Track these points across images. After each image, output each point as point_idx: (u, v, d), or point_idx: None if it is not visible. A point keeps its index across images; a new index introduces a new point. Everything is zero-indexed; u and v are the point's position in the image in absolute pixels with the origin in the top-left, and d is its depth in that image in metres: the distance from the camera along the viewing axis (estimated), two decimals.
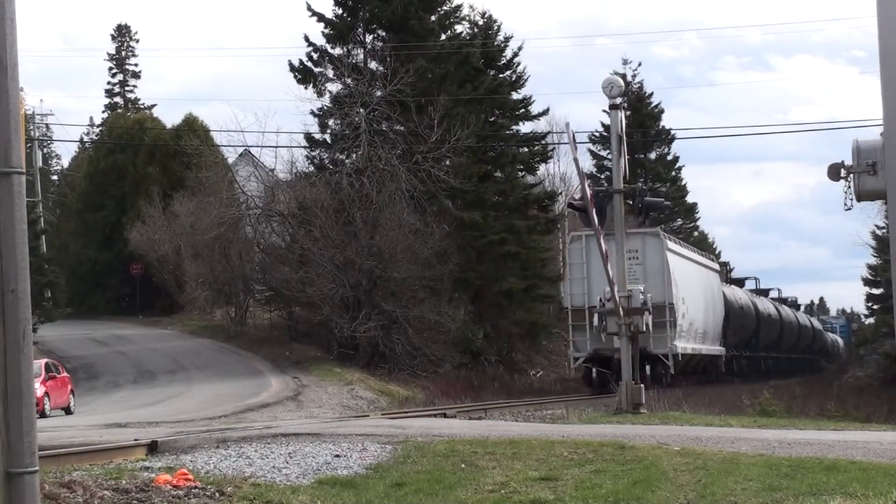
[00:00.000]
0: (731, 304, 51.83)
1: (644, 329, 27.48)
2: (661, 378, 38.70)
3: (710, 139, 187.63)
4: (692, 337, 43.70)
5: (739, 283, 63.39)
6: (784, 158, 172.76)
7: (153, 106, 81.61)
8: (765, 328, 60.48)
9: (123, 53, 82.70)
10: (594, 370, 39.78)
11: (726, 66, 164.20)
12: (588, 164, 73.58)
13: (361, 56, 49.50)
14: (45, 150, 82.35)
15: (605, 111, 30.02)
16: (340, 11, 49.40)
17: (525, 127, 55.10)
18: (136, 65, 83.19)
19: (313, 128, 49.53)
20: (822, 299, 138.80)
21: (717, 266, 52.30)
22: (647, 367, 36.64)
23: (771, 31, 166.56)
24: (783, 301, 74.73)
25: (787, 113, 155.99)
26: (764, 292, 70.25)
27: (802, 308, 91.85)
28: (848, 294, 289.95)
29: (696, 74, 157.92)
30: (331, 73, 48.96)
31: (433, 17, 50.02)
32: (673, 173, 78.42)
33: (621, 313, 26.31)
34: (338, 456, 13.54)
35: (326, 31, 49.08)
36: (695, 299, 41.85)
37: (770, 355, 63.30)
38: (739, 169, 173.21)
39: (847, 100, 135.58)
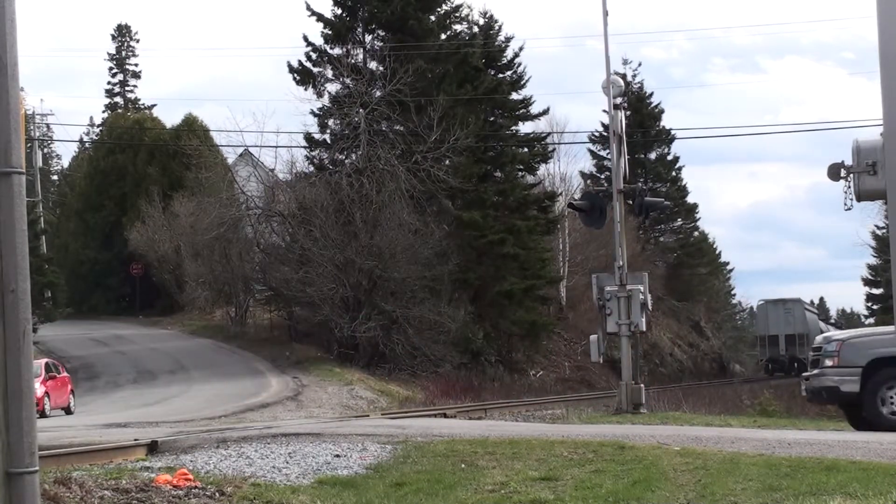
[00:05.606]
0: (819, 330, 78.00)
1: (644, 329, 27.39)
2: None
3: (705, 140, 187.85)
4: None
5: (816, 314, 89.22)
6: (777, 159, 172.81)
7: (153, 106, 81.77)
8: None
9: (123, 53, 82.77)
10: (770, 366, 72.35)
11: (716, 68, 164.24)
12: (588, 164, 74.08)
13: (361, 56, 49.51)
14: (45, 150, 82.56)
15: (605, 111, 30.03)
16: (339, 11, 49.41)
17: (525, 127, 55.18)
18: (136, 65, 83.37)
19: (313, 128, 49.60)
20: (822, 299, 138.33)
21: (816, 309, 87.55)
22: (795, 365, 67.77)
23: (759, 33, 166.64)
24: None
25: (777, 114, 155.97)
26: None
27: None
28: (848, 294, 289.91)
29: (688, 76, 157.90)
30: (330, 74, 49.00)
31: (432, 18, 50.00)
32: (673, 173, 78.50)
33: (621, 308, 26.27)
34: (338, 456, 13.53)
35: (325, 31, 49.12)
36: (811, 329, 71.30)
37: None
38: (734, 170, 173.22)
39: (838, 101, 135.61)
